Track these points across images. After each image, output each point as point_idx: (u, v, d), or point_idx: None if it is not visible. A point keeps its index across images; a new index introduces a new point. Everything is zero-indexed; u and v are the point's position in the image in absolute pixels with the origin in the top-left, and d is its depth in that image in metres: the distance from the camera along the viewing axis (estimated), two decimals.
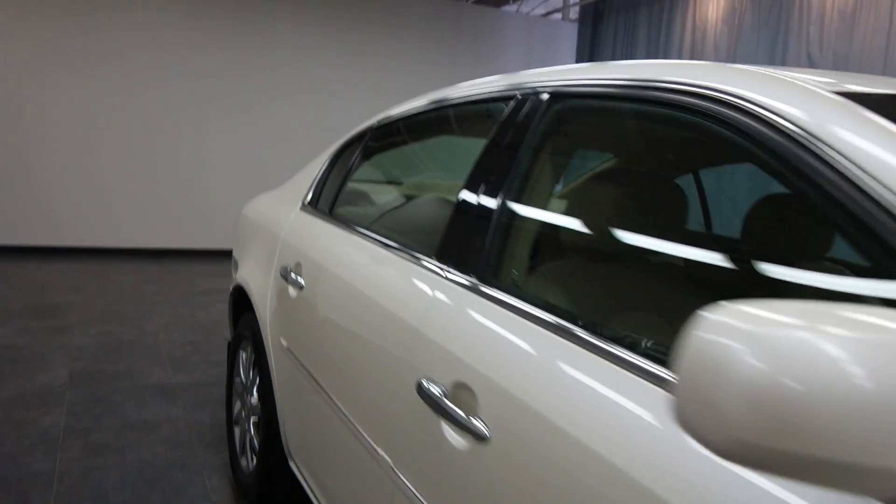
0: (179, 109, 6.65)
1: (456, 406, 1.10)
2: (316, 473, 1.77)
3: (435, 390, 1.15)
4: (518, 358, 1.03)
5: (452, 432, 1.11)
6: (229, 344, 2.65)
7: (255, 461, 2.26)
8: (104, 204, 6.54)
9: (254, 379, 2.28)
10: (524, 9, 8.58)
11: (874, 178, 0.73)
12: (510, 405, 1.00)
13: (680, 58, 7.36)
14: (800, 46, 6.34)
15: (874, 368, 0.49)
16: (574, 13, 8.59)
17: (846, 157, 0.77)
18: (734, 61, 6.90)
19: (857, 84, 0.96)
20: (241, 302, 2.50)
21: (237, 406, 2.49)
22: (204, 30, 6.61)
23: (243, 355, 2.43)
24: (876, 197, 0.72)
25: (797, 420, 0.50)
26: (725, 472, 0.70)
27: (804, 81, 0.92)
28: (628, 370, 0.87)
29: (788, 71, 0.99)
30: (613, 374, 0.88)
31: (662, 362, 0.85)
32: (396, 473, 1.27)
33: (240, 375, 2.47)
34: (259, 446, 2.18)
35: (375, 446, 1.36)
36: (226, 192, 6.77)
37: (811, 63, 6.17)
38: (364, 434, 1.42)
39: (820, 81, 0.92)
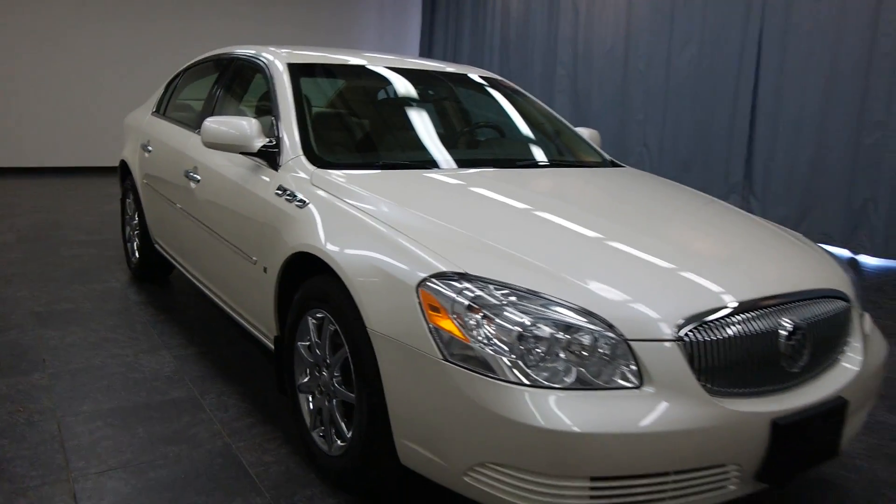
0: (84, 47, 8.17)
1: (192, 173, 3.09)
2: (164, 238, 3.74)
3: (189, 171, 3.13)
4: (207, 152, 3.01)
5: (192, 184, 3.09)
6: (121, 199, 4.54)
7: (137, 254, 4.22)
8: (20, 130, 8.09)
9: (134, 210, 4.20)
10: None
11: (279, 84, 2.75)
12: (207, 169, 2.99)
13: (494, 11, 9.35)
14: None
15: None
16: None
17: (275, 77, 2.77)
18: (529, 11, 8.88)
19: (307, 53, 2.96)
20: (124, 170, 4.37)
21: (127, 230, 4.43)
22: None
23: (127, 201, 4.35)
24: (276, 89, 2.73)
25: (220, 136, 2.50)
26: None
27: (284, 49, 2.93)
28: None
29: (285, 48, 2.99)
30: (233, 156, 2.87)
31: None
32: (181, 208, 3.26)
33: (127, 213, 4.39)
34: (138, 242, 4.14)
35: (175, 203, 3.34)
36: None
37: (575, 6, 8.21)
38: (173, 201, 3.39)
39: (284, 52, 2.92)
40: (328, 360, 2.11)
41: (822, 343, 1.88)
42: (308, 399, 2.24)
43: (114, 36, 8.38)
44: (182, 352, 3.17)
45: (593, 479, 1.55)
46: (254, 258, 2.50)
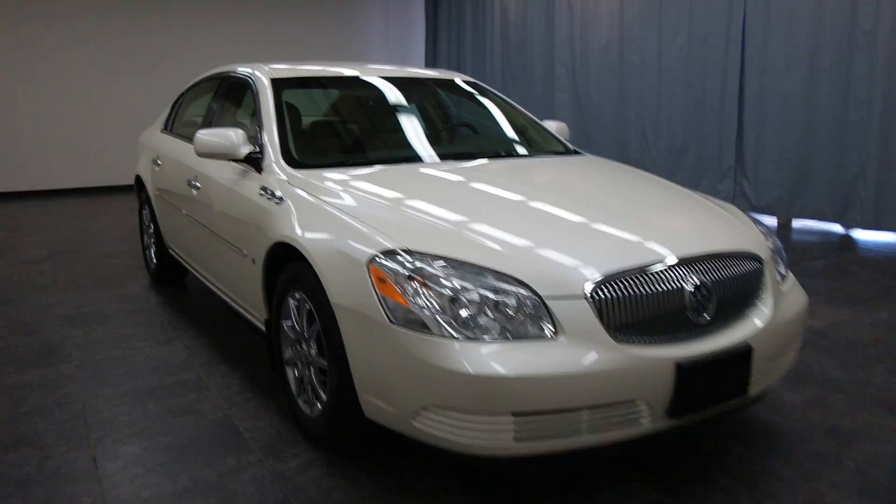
0: (98, 71, 8.67)
1: (194, 181, 3.44)
2: (175, 243, 4.11)
3: (191, 180, 3.48)
4: (204, 161, 3.35)
5: (194, 191, 3.44)
6: (138, 211, 4.94)
7: (154, 260, 4.60)
8: (35, 154, 8.62)
9: (149, 220, 4.59)
10: None
11: (262, 97, 3.07)
12: (204, 177, 3.33)
13: (493, 16, 9.61)
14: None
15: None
16: None
17: (260, 92, 3.10)
18: (527, 13, 9.11)
19: (290, 68, 3.29)
20: (140, 185, 4.76)
21: (145, 238, 4.82)
22: None
23: (143, 212, 4.74)
24: (260, 103, 3.06)
25: (210, 146, 2.84)
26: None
27: (269, 66, 3.26)
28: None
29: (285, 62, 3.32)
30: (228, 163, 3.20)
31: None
32: (186, 213, 3.61)
33: (144, 222, 4.78)
34: (155, 249, 4.52)
35: (182, 210, 3.70)
36: None
37: (570, 5, 8.44)
38: (180, 208, 3.75)
39: (268, 68, 3.25)
40: (306, 335, 2.42)
41: (731, 298, 2.14)
42: (293, 371, 2.56)
43: (123, 58, 8.87)
44: (193, 342, 3.52)
45: (515, 414, 1.84)
46: (245, 252, 2.83)
